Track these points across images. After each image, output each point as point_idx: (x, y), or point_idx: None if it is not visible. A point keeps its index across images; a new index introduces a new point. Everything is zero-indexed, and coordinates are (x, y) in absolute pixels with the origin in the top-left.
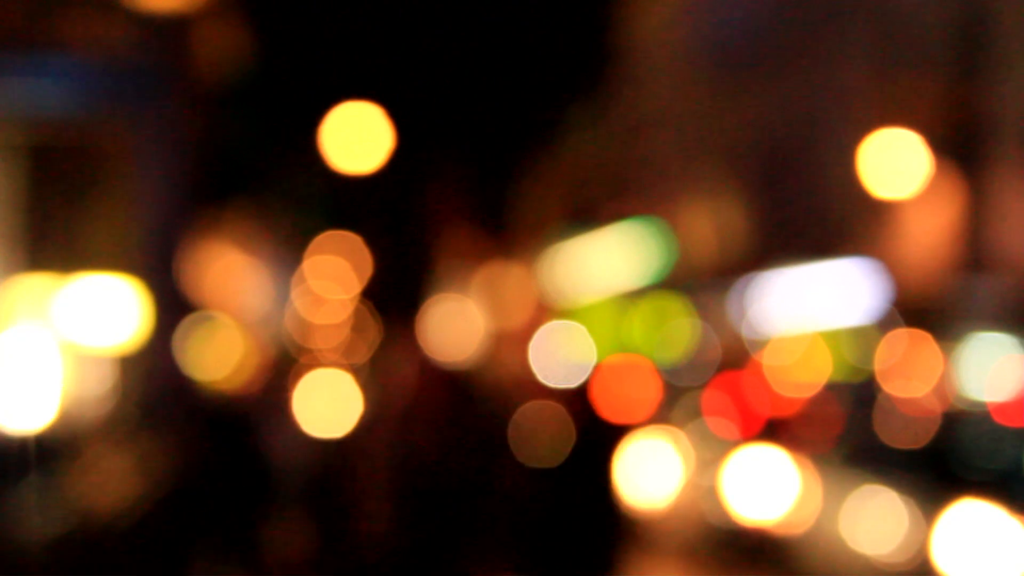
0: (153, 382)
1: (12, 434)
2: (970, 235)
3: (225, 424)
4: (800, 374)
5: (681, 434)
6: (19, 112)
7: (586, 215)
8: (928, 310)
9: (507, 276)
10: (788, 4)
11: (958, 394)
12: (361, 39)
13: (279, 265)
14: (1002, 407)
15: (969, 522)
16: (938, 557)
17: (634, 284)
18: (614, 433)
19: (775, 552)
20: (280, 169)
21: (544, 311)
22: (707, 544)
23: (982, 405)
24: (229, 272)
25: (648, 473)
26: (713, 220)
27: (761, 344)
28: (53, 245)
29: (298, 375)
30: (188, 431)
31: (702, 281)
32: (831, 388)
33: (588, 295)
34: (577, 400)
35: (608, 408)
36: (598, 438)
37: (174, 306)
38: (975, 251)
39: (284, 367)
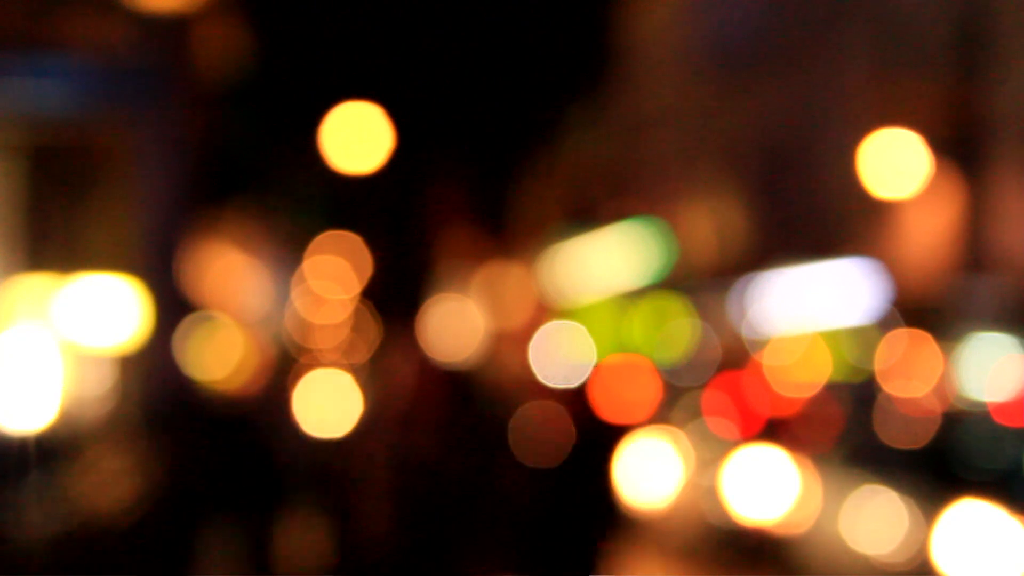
0: (153, 382)
1: (12, 434)
2: (970, 235)
3: (225, 424)
4: (800, 374)
5: (681, 434)
6: (19, 112)
7: (586, 215)
8: (928, 310)
9: (507, 276)
10: (788, 4)
11: (958, 394)
12: (361, 39)
13: (279, 265)
14: (1002, 407)
15: (969, 522)
16: (938, 557)
17: (634, 284)
18: (614, 433)
19: (775, 552)
20: (280, 169)
21: (544, 311)
22: (707, 544)
23: (982, 405)
24: (229, 272)
25: (648, 473)
26: (713, 220)
27: (761, 344)
28: (53, 245)
29: (298, 375)
30: (188, 431)
31: (702, 281)
32: (831, 388)
33: (588, 295)
34: (577, 400)
35: (608, 408)
36: (598, 438)
37: (174, 306)
38: (975, 251)
39: (284, 367)
